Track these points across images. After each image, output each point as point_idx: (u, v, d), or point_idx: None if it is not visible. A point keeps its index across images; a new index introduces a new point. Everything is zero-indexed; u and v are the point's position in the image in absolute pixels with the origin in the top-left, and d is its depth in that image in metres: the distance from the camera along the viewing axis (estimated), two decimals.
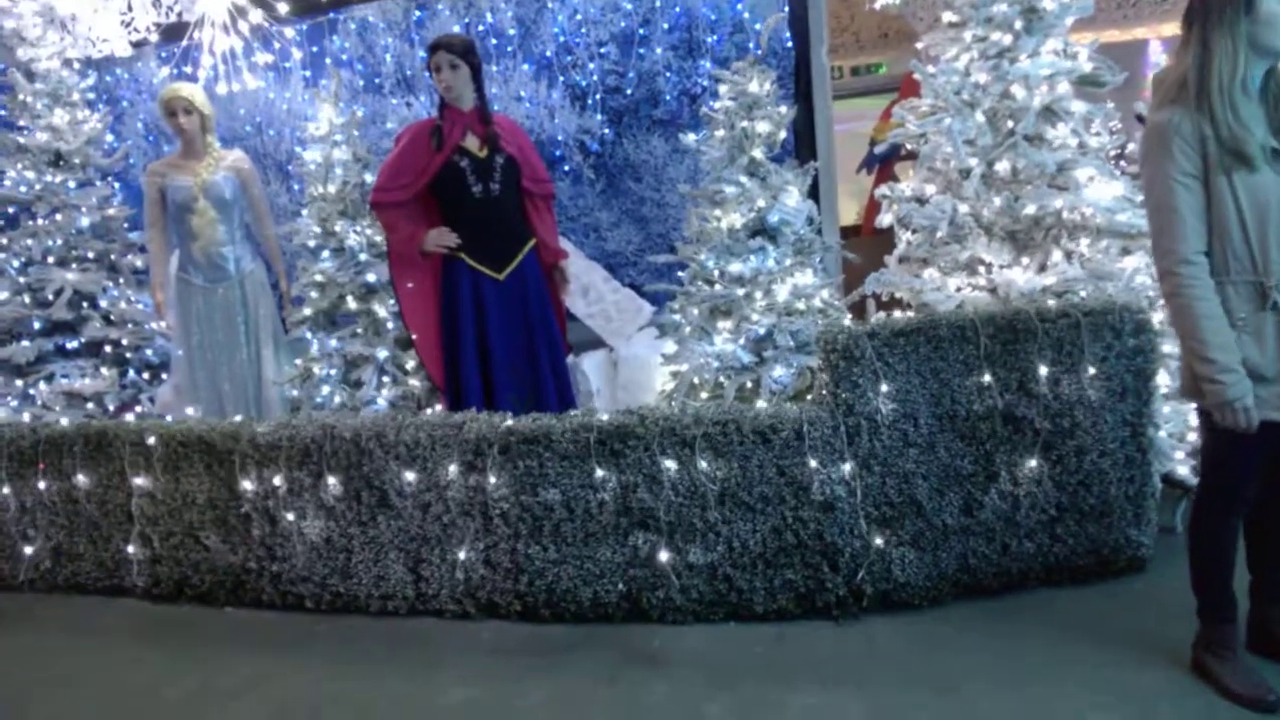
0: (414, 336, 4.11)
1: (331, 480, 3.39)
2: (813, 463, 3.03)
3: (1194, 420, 3.31)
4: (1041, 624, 2.91)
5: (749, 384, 3.69)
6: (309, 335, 4.41)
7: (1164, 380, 3.23)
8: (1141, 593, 3.04)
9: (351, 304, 4.38)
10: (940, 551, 3.07)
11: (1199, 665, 2.56)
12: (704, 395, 3.72)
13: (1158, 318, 3.23)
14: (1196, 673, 2.56)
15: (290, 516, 3.46)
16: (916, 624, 3.00)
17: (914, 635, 2.94)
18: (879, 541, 3.06)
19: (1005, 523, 3.07)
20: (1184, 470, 3.40)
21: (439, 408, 4.04)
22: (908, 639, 2.93)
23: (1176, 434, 3.43)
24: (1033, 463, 3.04)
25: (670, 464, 3.10)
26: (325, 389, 4.29)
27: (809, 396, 3.48)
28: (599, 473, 3.14)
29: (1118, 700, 2.49)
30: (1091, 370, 3.00)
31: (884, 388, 3.02)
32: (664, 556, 3.12)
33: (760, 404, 3.44)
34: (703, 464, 3.08)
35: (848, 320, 3.73)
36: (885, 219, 4.01)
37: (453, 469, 3.27)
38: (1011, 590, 3.11)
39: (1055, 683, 2.60)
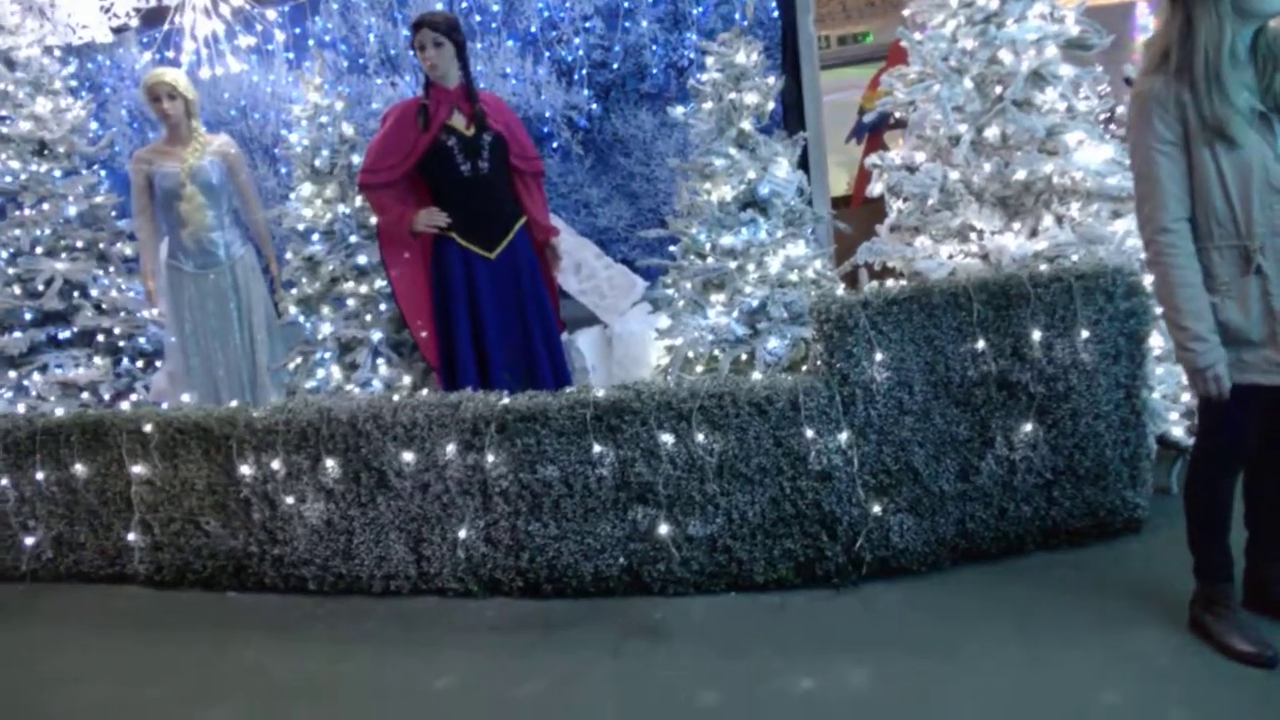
0: (407, 317, 4.11)
1: (329, 463, 3.40)
2: (809, 433, 3.04)
3: (1187, 381, 3.33)
4: (1040, 587, 2.94)
5: (743, 356, 3.70)
6: (302, 319, 4.40)
7: (1157, 342, 3.25)
8: (1139, 554, 3.07)
9: (344, 286, 4.36)
10: (938, 517, 3.10)
11: (1197, 624, 2.59)
12: (699, 369, 3.73)
13: (1149, 280, 3.24)
14: (1195, 631, 2.58)
15: (290, 500, 3.47)
16: (916, 589, 3.03)
17: (914, 601, 2.97)
18: (877, 509, 3.08)
19: (1002, 487, 3.09)
20: (1178, 431, 3.42)
21: (435, 388, 4.05)
22: (908, 605, 2.96)
23: (1170, 395, 3.44)
24: (1028, 427, 3.06)
25: (667, 438, 3.11)
26: (320, 372, 4.29)
27: (804, 367, 3.49)
28: (597, 448, 3.15)
29: (1118, 660, 2.53)
30: (1084, 334, 3.01)
31: (878, 356, 3.03)
32: (664, 530, 3.13)
33: (755, 376, 3.45)
34: (700, 437, 3.09)
35: (840, 290, 3.73)
36: (876, 188, 4.01)
37: (450, 448, 3.27)
38: (1009, 554, 3.13)
39: (1055, 645, 2.63)
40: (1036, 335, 3.02)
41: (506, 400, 3.27)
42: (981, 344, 3.04)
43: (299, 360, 4.35)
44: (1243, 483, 2.63)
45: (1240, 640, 2.47)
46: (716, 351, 3.71)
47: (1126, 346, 3.05)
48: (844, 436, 3.06)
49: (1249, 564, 2.67)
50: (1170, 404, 3.45)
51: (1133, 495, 3.11)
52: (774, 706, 2.53)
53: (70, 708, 2.95)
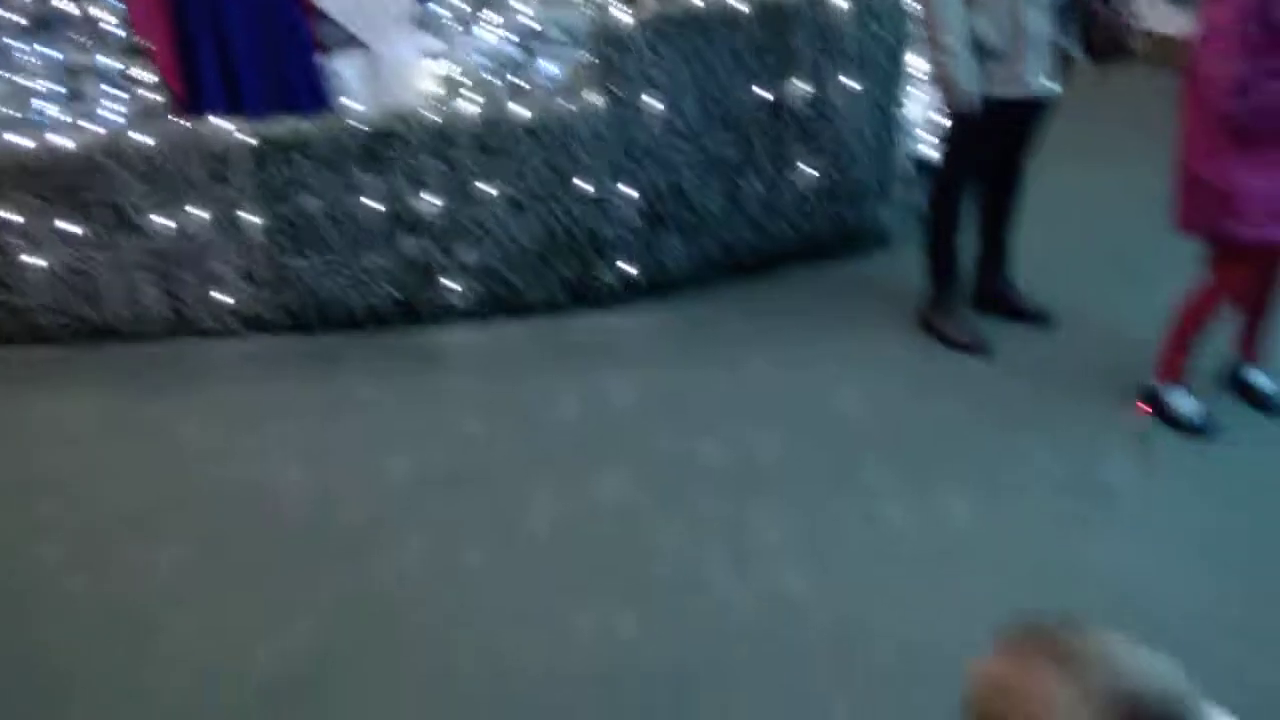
0: (144, 41, 3.66)
1: (60, 201, 3.07)
2: (583, 157, 2.99)
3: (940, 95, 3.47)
4: (797, 297, 3.15)
5: (519, 81, 3.54)
6: (15, 43, 3.82)
7: (916, 64, 3.33)
8: (884, 265, 3.31)
9: (67, 6, 3.79)
10: (704, 237, 3.19)
11: (927, 322, 2.88)
12: (471, 94, 3.55)
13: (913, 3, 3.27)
14: (924, 328, 2.88)
15: (18, 243, 3.13)
16: (682, 305, 3.16)
17: (684, 317, 3.11)
18: (647, 231, 3.12)
19: (764, 208, 3.20)
20: (928, 151, 3.59)
21: (181, 119, 3.68)
22: (675, 319, 3.10)
23: (923, 118, 3.58)
24: (791, 148, 3.13)
25: (438, 165, 2.98)
26: (43, 104, 3.79)
27: (580, 91, 3.39)
28: (362, 178, 2.99)
29: (861, 353, 2.83)
30: (850, 55, 3.05)
31: (654, 79, 2.97)
32: (435, 258, 3.07)
33: (530, 101, 3.32)
34: (471, 164, 2.98)
35: (619, 11, 3.58)
36: None
37: (199, 181, 3.02)
38: (770, 268, 3.28)
39: (809, 347, 2.87)
40: (807, 57, 3.03)
41: (259, 127, 3.02)
42: (754, 66, 3.02)
43: (10, 91, 3.82)
44: (978, 199, 2.84)
45: (960, 332, 2.80)
46: (490, 76, 3.53)
47: (886, 67, 3.13)
48: (617, 161, 3.02)
49: (979, 272, 2.95)
50: (922, 126, 3.59)
51: (883, 211, 3.30)
52: (551, 421, 2.63)
53: None
